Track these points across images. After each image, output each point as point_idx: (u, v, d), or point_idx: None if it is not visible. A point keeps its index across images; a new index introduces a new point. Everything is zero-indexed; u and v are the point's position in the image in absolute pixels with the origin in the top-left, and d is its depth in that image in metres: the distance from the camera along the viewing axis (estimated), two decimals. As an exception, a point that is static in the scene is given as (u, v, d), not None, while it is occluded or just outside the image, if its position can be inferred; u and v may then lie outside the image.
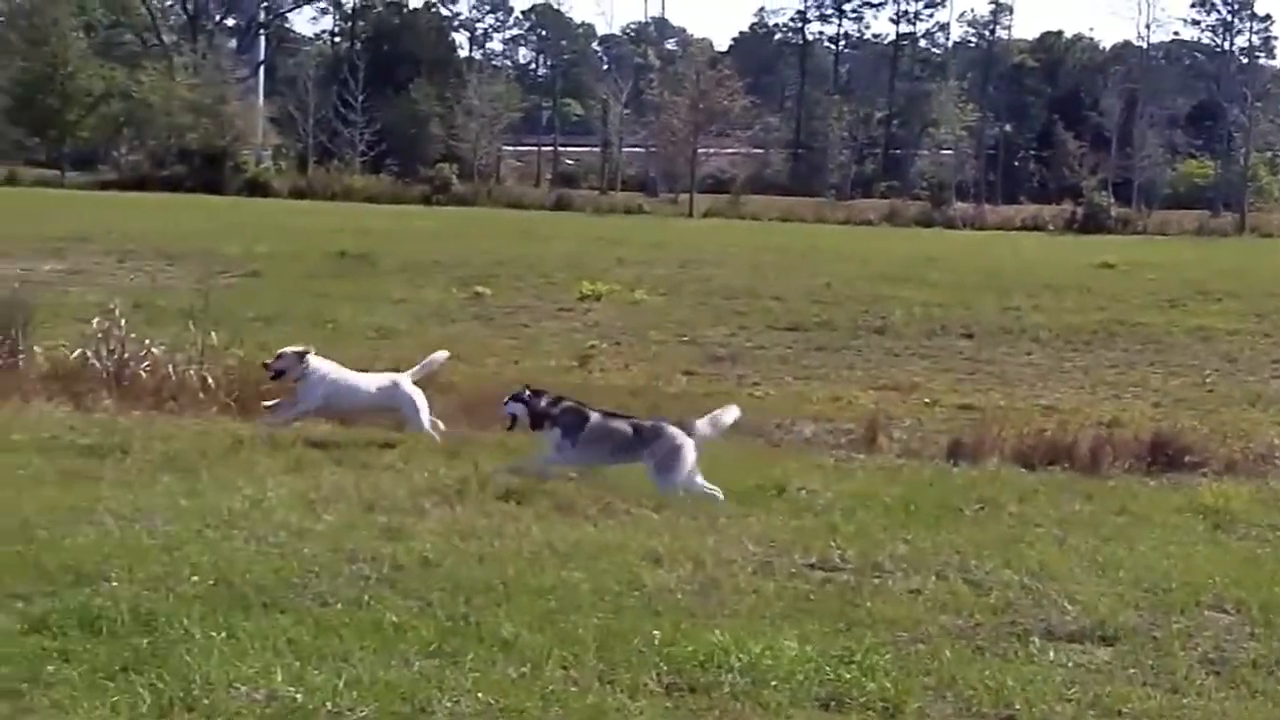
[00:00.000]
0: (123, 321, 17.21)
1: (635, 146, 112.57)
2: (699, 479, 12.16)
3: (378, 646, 7.74)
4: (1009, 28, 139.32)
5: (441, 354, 15.40)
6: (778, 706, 7.24)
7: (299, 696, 7.00)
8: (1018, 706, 7.37)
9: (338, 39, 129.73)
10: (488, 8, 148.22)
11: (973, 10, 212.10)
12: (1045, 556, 10.29)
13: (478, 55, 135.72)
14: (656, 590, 9.07)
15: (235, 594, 8.54)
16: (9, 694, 7.00)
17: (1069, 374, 22.57)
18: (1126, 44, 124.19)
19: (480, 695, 7.13)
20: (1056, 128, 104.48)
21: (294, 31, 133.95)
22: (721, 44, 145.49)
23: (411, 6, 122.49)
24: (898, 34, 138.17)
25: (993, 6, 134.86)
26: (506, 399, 12.79)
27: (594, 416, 12.43)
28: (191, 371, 16.54)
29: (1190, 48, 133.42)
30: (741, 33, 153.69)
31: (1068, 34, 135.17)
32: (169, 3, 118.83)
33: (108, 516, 10.27)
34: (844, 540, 10.52)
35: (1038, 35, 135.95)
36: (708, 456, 12.94)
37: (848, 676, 7.56)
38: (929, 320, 28.30)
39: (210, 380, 16.43)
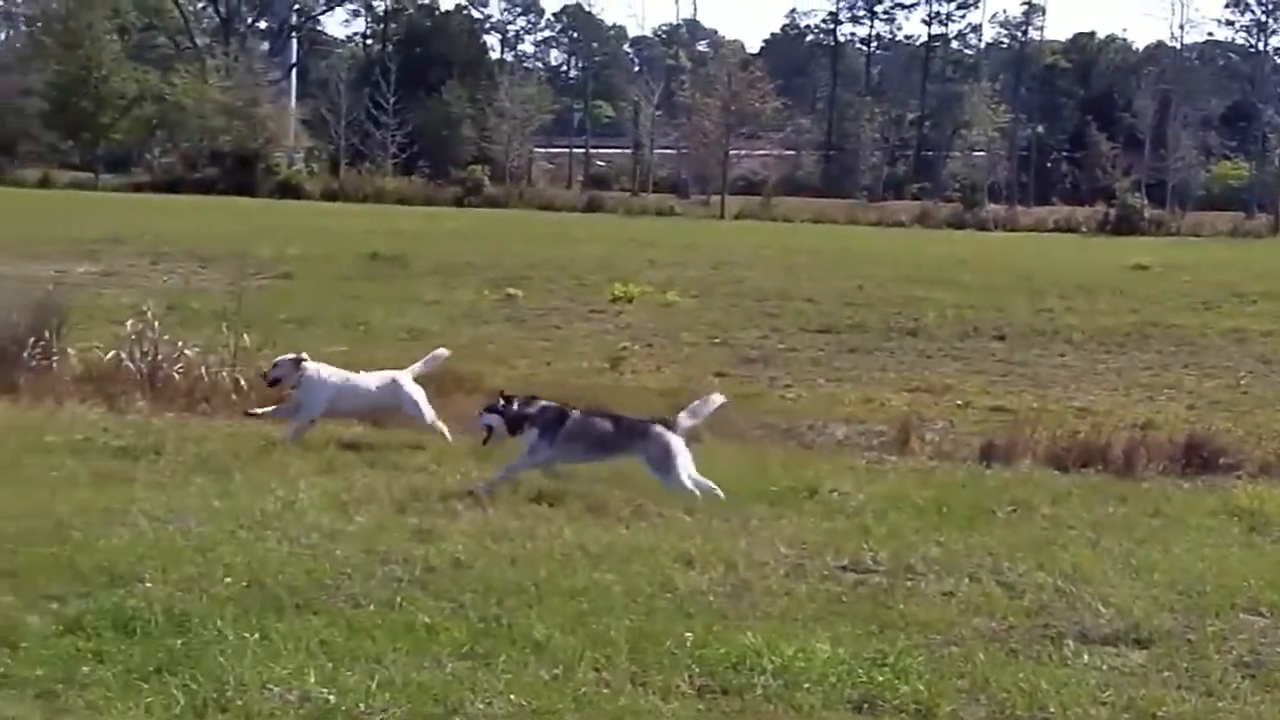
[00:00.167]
0: (156, 323, 17.25)
1: (667, 148, 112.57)
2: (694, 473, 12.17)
3: (410, 648, 7.75)
4: (1041, 29, 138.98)
5: (443, 351, 15.43)
6: (810, 709, 7.23)
7: (332, 698, 7.02)
8: (1051, 710, 7.35)
9: (369, 41, 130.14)
10: (519, 10, 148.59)
11: (1005, 11, 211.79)
12: (1079, 559, 10.24)
13: (509, 57, 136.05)
14: (689, 592, 9.07)
15: (268, 595, 8.56)
16: (45, 694, 7.04)
17: (1102, 376, 22.46)
18: (1160, 44, 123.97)
19: (512, 697, 7.14)
20: (1089, 129, 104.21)
21: (326, 34, 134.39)
22: (753, 45, 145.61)
23: (443, 9, 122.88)
24: (930, 35, 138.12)
25: (1025, 7, 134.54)
26: (481, 411, 12.73)
27: (573, 414, 12.37)
28: (224, 373, 16.58)
29: (1224, 48, 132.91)
30: (773, 34, 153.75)
31: (1101, 35, 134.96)
32: (202, 5, 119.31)
33: (141, 518, 10.31)
34: (876, 542, 10.50)
35: (1070, 36, 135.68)
36: (738, 458, 12.91)
37: (880, 679, 7.54)
38: (961, 322, 28.21)
39: (243, 382, 16.46)
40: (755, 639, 7.97)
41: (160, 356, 16.86)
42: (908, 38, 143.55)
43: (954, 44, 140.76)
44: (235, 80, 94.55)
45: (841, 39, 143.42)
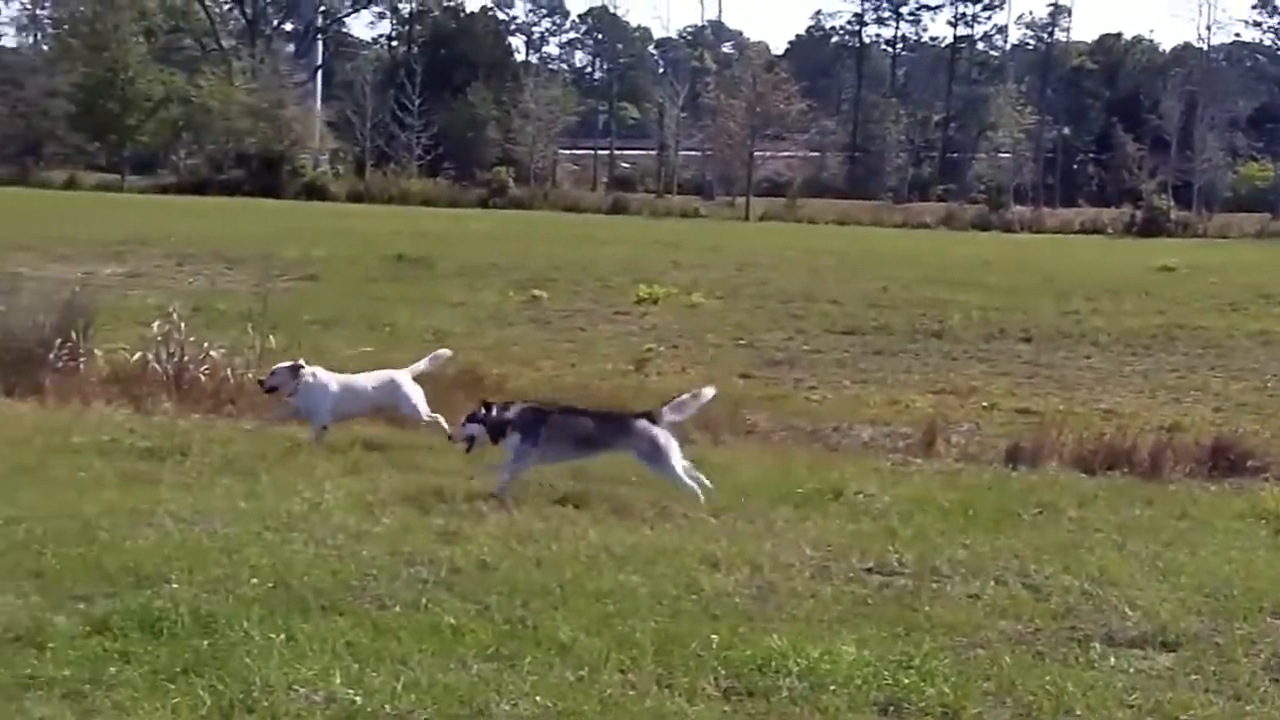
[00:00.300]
0: (182, 325, 17.28)
1: (691, 150, 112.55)
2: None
3: (436, 649, 7.76)
4: (1067, 30, 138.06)
5: (444, 351, 15.44)
6: (836, 711, 7.22)
7: (358, 699, 7.03)
8: (1078, 713, 7.33)
9: (395, 43, 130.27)
10: (544, 11, 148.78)
11: (1031, 13, 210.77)
12: (1105, 562, 10.21)
13: (534, 59, 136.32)
14: (714, 594, 9.06)
15: (294, 596, 8.58)
16: (72, 695, 7.06)
17: (1128, 378, 22.41)
18: (1187, 46, 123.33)
19: (538, 698, 7.14)
20: (1115, 130, 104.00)
21: (351, 36, 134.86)
22: (778, 47, 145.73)
23: (469, 10, 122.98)
24: (955, 37, 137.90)
25: (1051, 8, 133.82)
26: (464, 420, 12.69)
27: (552, 414, 12.34)
28: (250, 374, 16.60)
29: (1251, 49, 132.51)
30: (798, 36, 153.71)
31: (1127, 36, 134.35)
32: (228, 8, 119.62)
33: (168, 519, 10.34)
34: (902, 544, 10.48)
35: (1097, 37, 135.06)
36: (763, 459, 12.90)
37: (906, 681, 7.53)
38: (987, 324, 28.17)
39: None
40: (781, 641, 7.96)
41: (186, 358, 16.89)
42: (933, 39, 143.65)
43: (979, 45, 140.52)
44: (261, 82, 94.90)
45: (866, 40, 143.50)
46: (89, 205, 62.44)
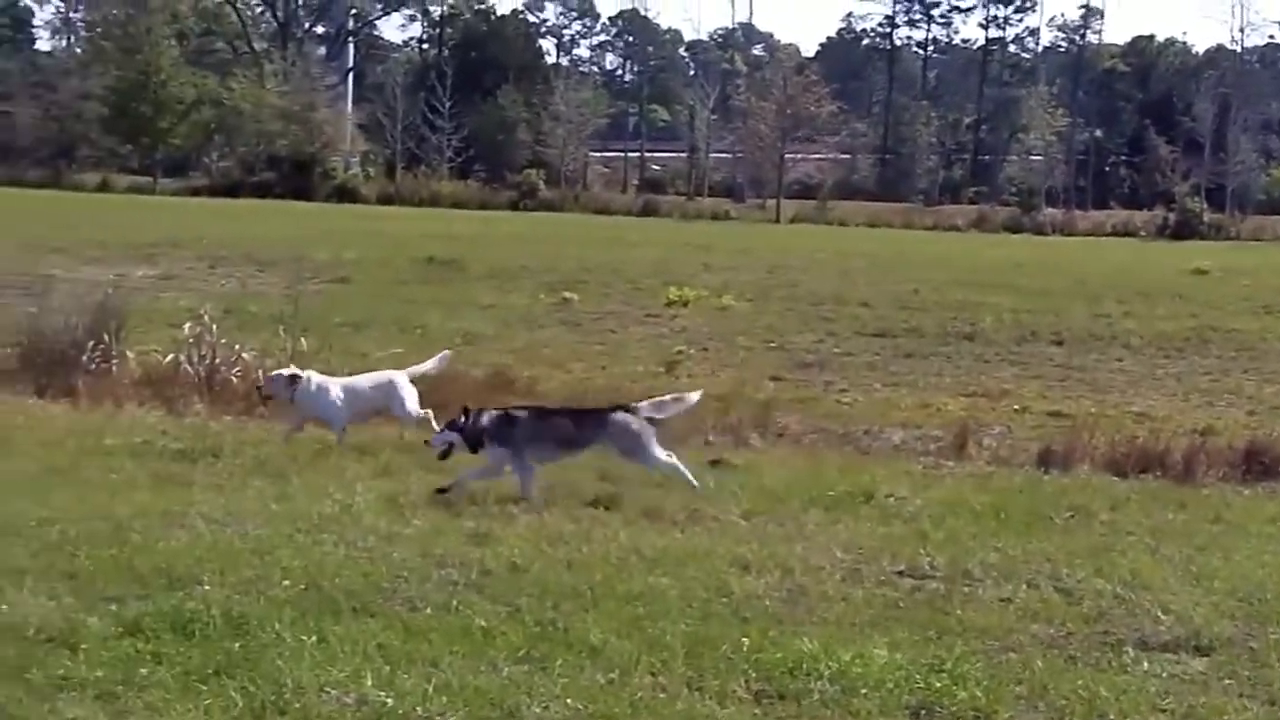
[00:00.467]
0: (214, 327, 17.34)
1: (722, 152, 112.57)
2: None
3: (467, 651, 7.77)
4: (1100, 32, 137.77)
5: (447, 353, 15.41)
6: (867, 715, 7.20)
7: (389, 701, 7.04)
8: (1111, 717, 7.31)
9: (426, 46, 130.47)
10: (575, 14, 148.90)
11: (1063, 15, 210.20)
12: (1138, 565, 10.17)
13: (565, 61, 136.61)
14: (745, 597, 9.05)
15: (325, 598, 8.59)
16: (104, 696, 7.08)
17: (1161, 381, 22.31)
18: (1220, 48, 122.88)
19: (569, 701, 7.14)
20: (1148, 133, 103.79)
21: (382, 39, 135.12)
22: (809, 49, 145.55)
23: (499, 13, 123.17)
24: (987, 39, 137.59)
25: (1083, 11, 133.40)
26: (443, 427, 12.66)
27: (521, 417, 12.28)
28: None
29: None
30: (829, 38, 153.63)
31: (1159, 38, 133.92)
32: (260, 11, 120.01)
33: (199, 520, 10.37)
34: (933, 548, 10.45)
35: (1129, 40, 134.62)
36: (793, 462, 12.86)
37: (938, 685, 7.51)
38: (1018, 326, 28.08)
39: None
40: (812, 644, 7.95)
41: (218, 360, 16.95)
42: (964, 41, 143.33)
43: (1011, 48, 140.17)
44: (292, 85, 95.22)
45: (898, 42, 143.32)
46: (121, 208, 62.70)
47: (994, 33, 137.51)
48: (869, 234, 70.27)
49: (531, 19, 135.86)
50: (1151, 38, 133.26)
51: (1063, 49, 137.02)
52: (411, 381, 14.65)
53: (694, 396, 12.71)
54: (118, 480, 11.84)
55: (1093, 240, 72.55)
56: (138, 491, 11.37)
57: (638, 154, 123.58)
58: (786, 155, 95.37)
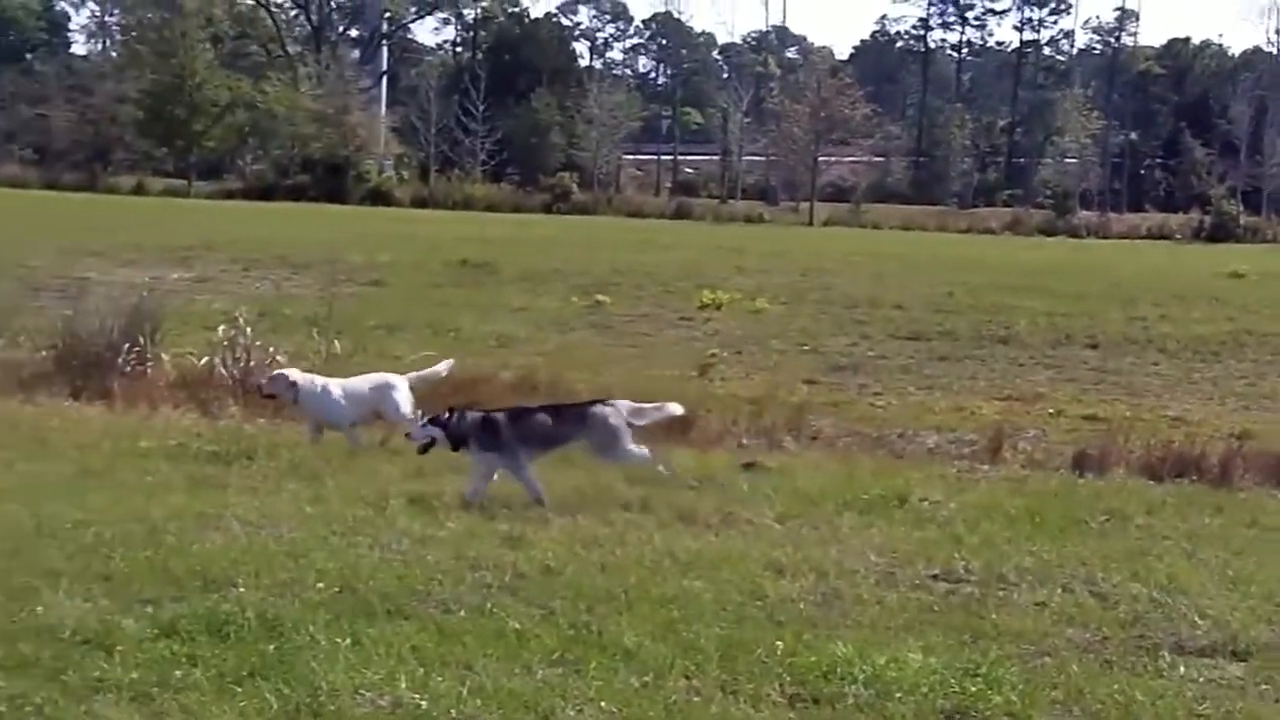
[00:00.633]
0: (248, 329, 17.36)
1: (755, 155, 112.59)
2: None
3: (501, 654, 7.77)
4: (1135, 35, 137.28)
5: (450, 361, 15.28)
6: (902, 719, 7.18)
7: (423, 704, 7.05)
8: (1147, 722, 7.28)
9: (459, 49, 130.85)
10: (608, 17, 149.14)
11: (1098, 17, 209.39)
12: (1174, 570, 10.12)
13: (598, 64, 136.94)
14: (779, 600, 9.04)
15: (360, 601, 8.61)
16: (140, 698, 7.10)
17: (1197, 385, 22.20)
18: (1256, 50, 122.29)
19: (603, 704, 7.14)
20: (1183, 135, 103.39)
21: (416, 42, 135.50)
22: (842, 52, 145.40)
23: (533, 16, 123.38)
24: (1021, 41, 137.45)
25: (1118, 13, 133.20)
26: (425, 421, 12.66)
27: (500, 418, 12.24)
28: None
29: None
30: (863, 41, 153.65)
31: (1195, 40, 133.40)
32: (294, 14, 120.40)
33: (234, 523, 10.40)
34: (968, 551, 10.42)
35: (1164, 42, 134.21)
36: (827, 465, 12.82)
37: (973, 689, 7.49)
38: (1053, 330, 27.98)
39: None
40: (846, 648, 7.93)
41: (253, 362, 16.97)
42: (999, 44, 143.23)
43: (1046, 50, 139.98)
44: (326, 88, 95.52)
45: (932, 45, 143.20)
46: (156, 211, 62.94)
47: (1028, 35, 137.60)
48: (903, 237, 70.14)
49: (565, 22, 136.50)
50: (1187, 40, 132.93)
51: (1097, 51, 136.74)
52: (411, 387, 14.59)
53: (674, 408, 12.69)
54: (153, 482, 11.88)
55: (1128, 243, 72.36)
56: (173, 494, 11.41)
57: (670, 157, 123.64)
58: (820, 158, 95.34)
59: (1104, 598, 9.41)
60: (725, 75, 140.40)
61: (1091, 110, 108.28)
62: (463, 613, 8.50)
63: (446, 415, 12.18)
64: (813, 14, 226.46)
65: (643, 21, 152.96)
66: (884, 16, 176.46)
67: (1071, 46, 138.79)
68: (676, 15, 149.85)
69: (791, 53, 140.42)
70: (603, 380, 19.42)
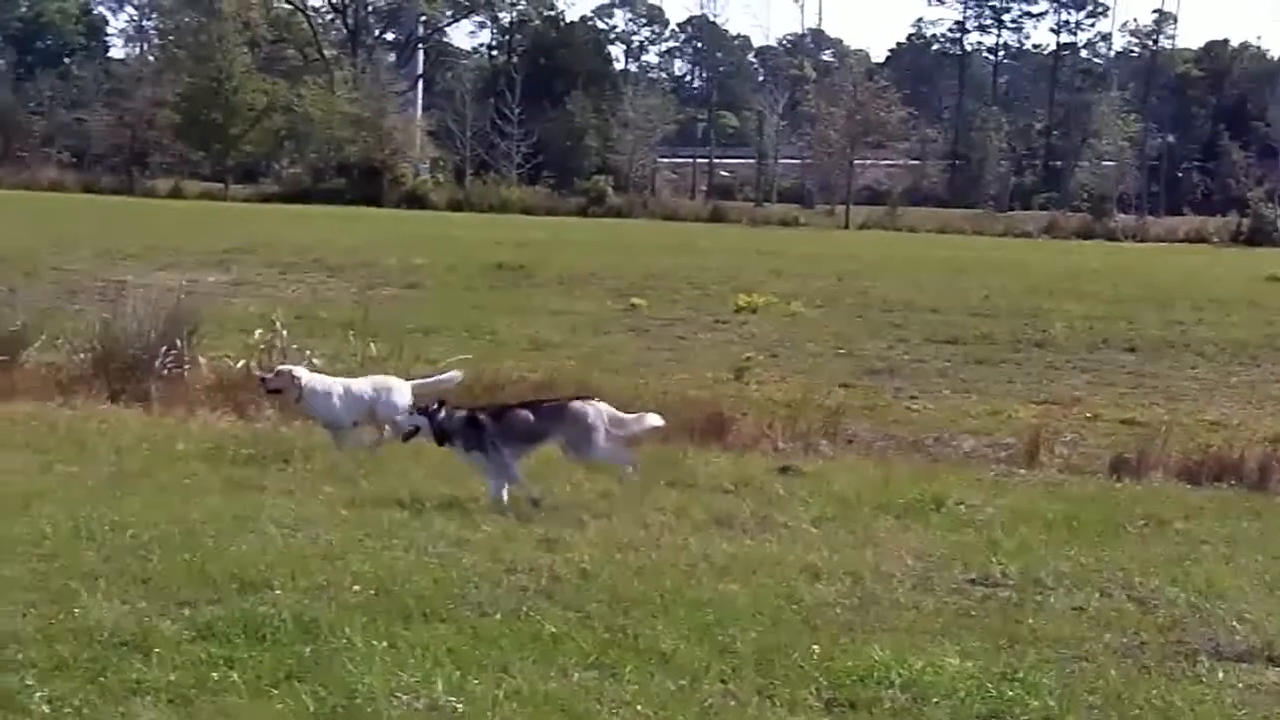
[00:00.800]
0: (284, 333, 17.41)
1: (791, 158, 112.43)
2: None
3: (537, 657, 7.78)
4: (1173, 37, 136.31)
5: (456, 374, 15.16)
6: (939, 723, 7.17)
7: (459, 706, 7.06)
8: (1185, 728, 7.24)
9: (495, 52, 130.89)
10: (644, 21, 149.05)
11: (1135, 20, 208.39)
12: (1213, 574, 10.08)
13: (634, 68, 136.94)
14: (815, 604, 9.03)
15: (396, 603, 8.62)
16: (177, 700, 7.13)
17: (1235, 389, 22.09)
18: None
19: (639, 708, 7.14)
20: (1222, 138, 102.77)
21: (452, 45, 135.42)
22: (878, 55, 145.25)
23: (569, 20, 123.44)
24: (1058, 44, 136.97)
25: (1156, 16, 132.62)
26: (413, 411, 12.66)
27: (482, 417, 12.23)
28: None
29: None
30: (899, 44, 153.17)
31: (1234, 43, 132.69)
32: (330, 18, 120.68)
33: (271, 525, 10.43)
34: (1005, 556, 10.40)
35: (1203, 44, 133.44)
36: (863, 469, 12.79)
37: (1010, 694, 7.47)
38: (1090, 333, 27.88)
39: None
40: (883, 652, 7.92)
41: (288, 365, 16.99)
42: (1035, 47, 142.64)
43: (1083, 53, 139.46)
44: (362, 91, 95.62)
45: (968, 48, 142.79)
46: (193, 214, 63.15)
47: (1065, 38, 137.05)
48: (939, 240, 69.91)
49: (600, 26, 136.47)
50: (1225, 42, 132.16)
51: (1135, 54, 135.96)
52: (415, 393, 14.51)
53: (653, 419, 12.61)
54: (190, 485, 11.93)
55: (1165, 247, 71.97)
56: (209, 496, 11.46)
57: (706, 160, 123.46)
58: (856, 161, 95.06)
59: (1142, 602, 9.38)
60: (761, 78, 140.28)
61: (1129, 113, 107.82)
62: (499, 616, 8.51)
63: (435, 407, 12.23)
64: (848, 17, 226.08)
65: (678, 25, 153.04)
66: (920, 19, 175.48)
67: (1109, 49, 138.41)
68: (712, 18, 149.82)
69: (827, 56, 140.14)
70: (639, 383, 19.43)
